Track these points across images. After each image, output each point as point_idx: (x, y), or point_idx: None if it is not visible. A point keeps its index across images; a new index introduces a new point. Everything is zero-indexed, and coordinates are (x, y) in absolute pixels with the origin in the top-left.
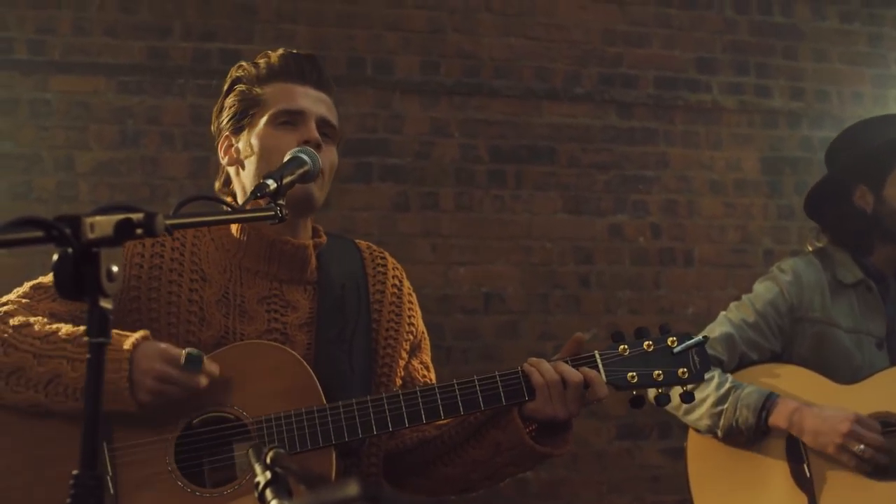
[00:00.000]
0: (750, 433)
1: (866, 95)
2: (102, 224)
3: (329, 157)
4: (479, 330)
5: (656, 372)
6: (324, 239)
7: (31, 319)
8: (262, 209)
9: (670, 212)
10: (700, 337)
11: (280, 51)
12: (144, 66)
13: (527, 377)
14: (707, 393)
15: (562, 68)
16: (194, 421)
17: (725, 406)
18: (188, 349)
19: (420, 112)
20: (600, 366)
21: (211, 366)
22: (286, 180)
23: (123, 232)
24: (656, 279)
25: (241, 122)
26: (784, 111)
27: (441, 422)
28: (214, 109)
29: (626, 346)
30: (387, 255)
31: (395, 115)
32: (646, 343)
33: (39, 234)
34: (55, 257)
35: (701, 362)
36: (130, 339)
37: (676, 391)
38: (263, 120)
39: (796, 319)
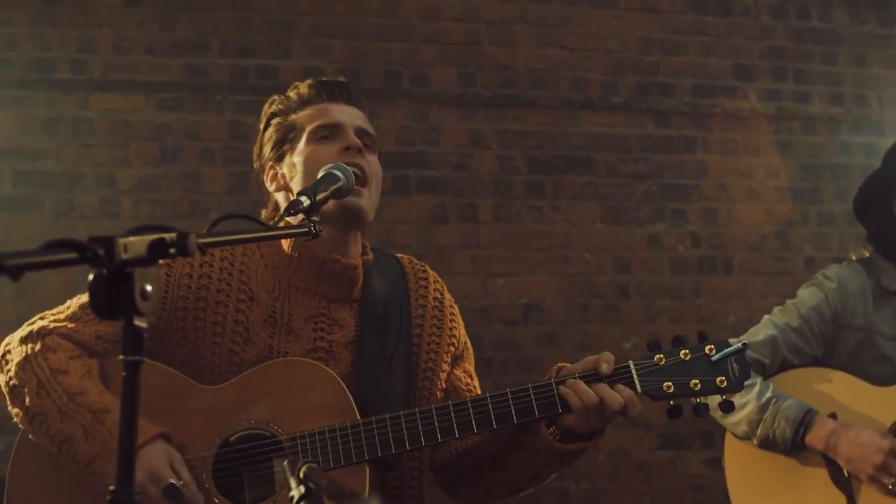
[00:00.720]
0: (786, 446)
1: None
2: (136, 244)
3: (373, 165)
4: (518, 341)
5: (693, 381)
6: (371, 256)
7: (70, 367)
8: (297, 226)
9: (709, 220)
10: (739, 344)
11: (308, 81)
12: (183, 83)
13: (563, 398)
14: (748, 399)
15: (598, 78)
16: (231, 438)
17: (765, 416)
18: (172, 480)
19: (457, 124)
20: (635, 376)
21: (194, 499)
22: (320, 196)
23: (157, 252)
24: (696, 288)
25: (281, 149)
26: (823, 117)
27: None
28: (254, 150)
29: (661, 356)
30: (428, 268)
31: (432, 128)
32: (682, 352)
33: (74, 255)
34: (90, 277)
35: (740, 370)
36: (143, 435)
37: (715, 399)
38: (303, 139)
39: (839, 326)
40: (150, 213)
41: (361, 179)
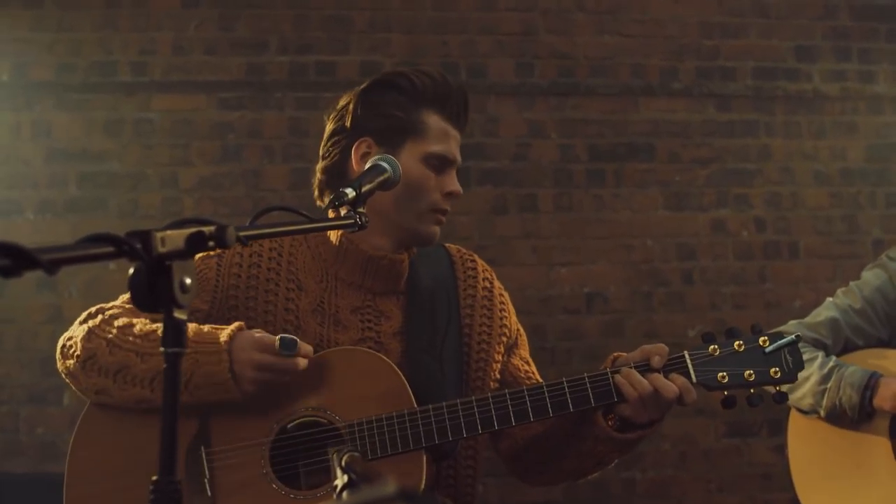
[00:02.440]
0: (854, 413)
1: None
2: (174, 238)
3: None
4: (582, 330)
5: (748, 372)
6: (415, 250)
7: (134, 321)
8: (342, 218)
9: (774, 204)
10: (793, 336)
11: (435, 71)
12: (243, 81)
13: (618, 389)
14: (811, 371)
15: (658, 64)
16: (288, 425)
17: (829, 385)
18: (282, 335)
19: (516, 114)
20: (690, 366)
21: (305, 347)
22: (365, 188)
23: (195, 245)
24: (761, 273)
25: (388, 136)
26: (889, 96)
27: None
28: (356, 95)
29: (716, 347)
30: (476, 257)
31: (490, 119)
32: (737, 343)
33: (110, 249)
34: (130, 271)
35: (794, 362)
36: (226, 332)
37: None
38: (417, 153)
39: None
40: (213, 211)
41: (445, 212)
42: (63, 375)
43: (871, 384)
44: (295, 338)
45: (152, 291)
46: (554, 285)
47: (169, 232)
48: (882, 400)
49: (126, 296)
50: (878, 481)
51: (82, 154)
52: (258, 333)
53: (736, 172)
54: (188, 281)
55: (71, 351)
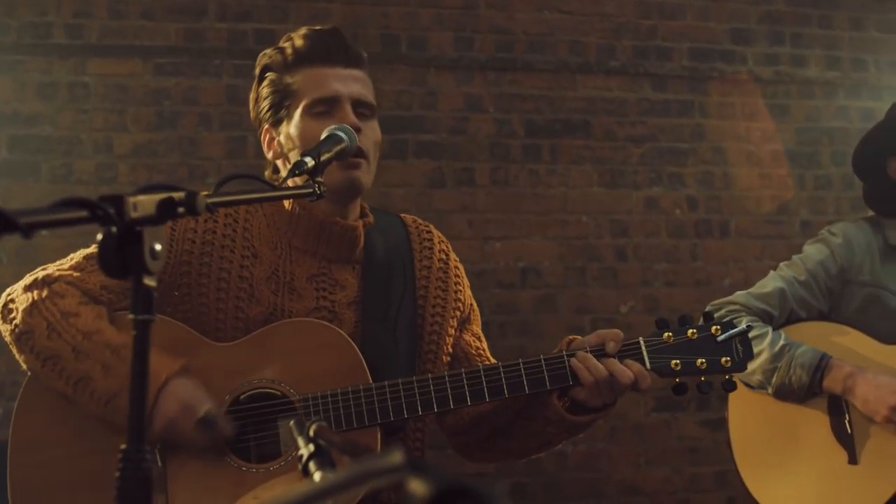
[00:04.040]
0: (802, 392)
1: None
2: (145, 203)
3: (371, 135)
4: (516, 304)
5: (699, 360)
6: (371, 218)
7: (80, 310)
8: (301, 187)
9: (706, 184)
10: (744, 326)
11: (303, 30)
12: (180, 47)
13: (574, 372)
14: (761, 348)
15: (595, 41)
16: (241, 397)
17: (779, 364)
18: (206, 411)
19: (454, 88)
20: (644, 353)
21: (226, 427)
22: (323, 157)
23: (166, 211)
24: (693, 251)
25: (278, 115)
26: (820, 81)
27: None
28: (250, 98)
29: (670, 334)
30: (433, 228)
31: (429, 92)
32: (690, 331)
33: (84, 214)
34: (99, 237)
35: (744, 351)
36: (166, 371)
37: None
38: (299, 111)
39: (845, 282)
40: (148, 178)
41: (362, 153)
42: None
43: (821, 365)
44: (215, 419)
45: (122, 258)
46: (489, 259)
47: (140, 197)
48: (832, 382)
49: (75, 258)
50: (814, 456)
51: (14, 117)
52: (190, 389)
53: (670, 151)
54: (158, 247)
55: (10, 316)
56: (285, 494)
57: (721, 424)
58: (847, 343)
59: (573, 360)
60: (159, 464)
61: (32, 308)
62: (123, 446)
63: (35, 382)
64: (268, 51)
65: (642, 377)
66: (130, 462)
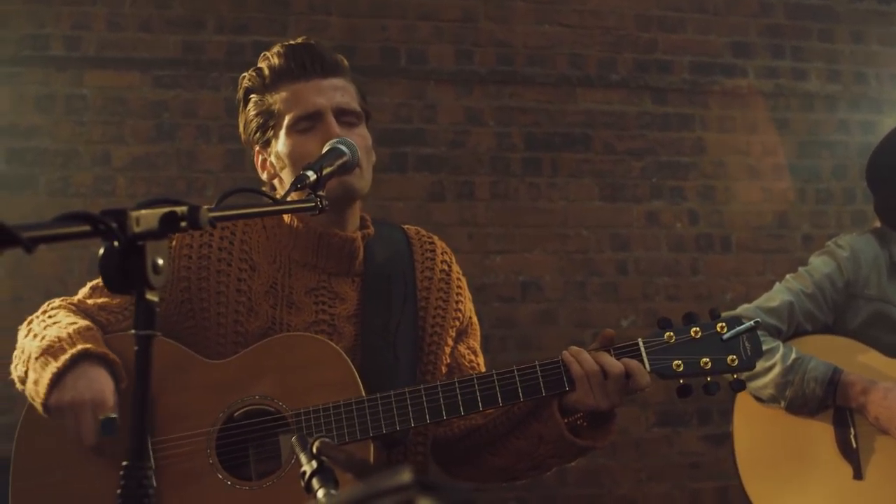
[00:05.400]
0: (815, 405)
1: None
2: (147, 217)
3: (360, 142)
4: (516, 318)
5: (704, 360)
6: (371, 230)
7: (61, 314)
8: (303, 201)
9: (707, 198)
10: (752, 322)
11: (277, 48)
12: (179, 60)
13: (566, 367)
14: (773, 361)
15: (596, 55)
16: (235, 414)
17: (792, 378)
18: (109, 417)
19: (454, 101)
20: (644, 354)
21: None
22: (325, 171)
23: (168, 225)
24: (694, 265)
25: (265, 136)
26: (821, 94)
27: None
28: (239, 122)
29: (671, 334)
30: (436, 239)
31: (428, 105)
32: (693, 329)
33: (86, 228)
34: (101, 252)
35: (752, 349)
36: (95, 348)
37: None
38: (283, 130)
39: (851, 295)
40: (146, 190)
41: None
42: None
43: (834, 379)
44: (116, 424)
45: (124, 272)
46: (489, 273)
47: (143, 211)
48: (845, 399)
49: (83, 291)
50: (819, 471)
51: (11, 129)
52: (108, 385)
53: (670, 165)
54: (160, 262)
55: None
56: None
57: (723, 439)
58: (854, 356)
59: (564, 352)
60: (153, 483)
61: (27, 326)
62: (125, 463)
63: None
64: (247, 73)
65: (640, 374)
66: (132, 479)
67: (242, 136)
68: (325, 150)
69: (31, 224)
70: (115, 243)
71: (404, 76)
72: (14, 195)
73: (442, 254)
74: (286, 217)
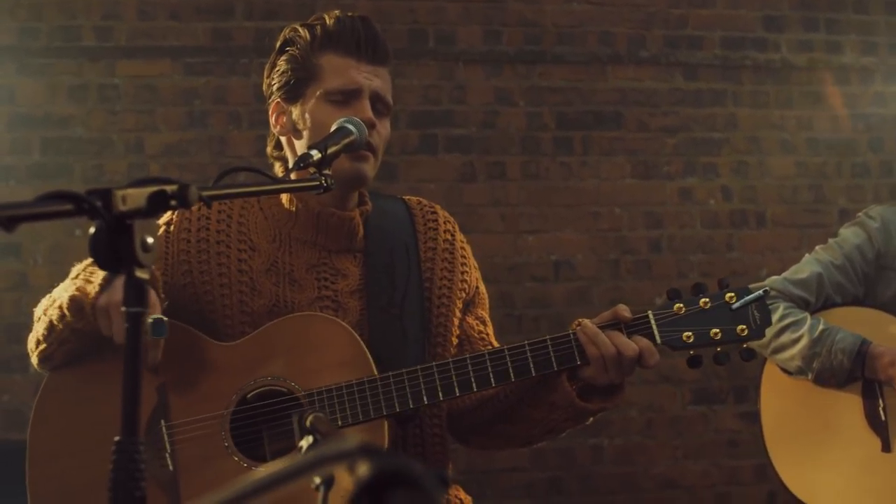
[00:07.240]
0: (843, 377)
1: None
2: (135, 196)
3: (384, 132)
4: (549, 298)
5: (714, 330)
6: (369, 206)
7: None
8: (307, 179)
9: (741, 173)
10: (760, 291)
11: (336, 13)
12: (209, 47)
13: (580, 347)
14: (800, 333)
15: (625, 32)
16: (248, 395)
17: (819, 349)
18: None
19: (483, 82)
20: (654, 327)
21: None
22: (331, 150)
23: (157, 203)
24: (728, 241)
25: (295, 92)
26: (856, 67)
27: None
28: (266, 66)
29: (681, 305)
30: (438, 208)
31: (458, 86)
32: (702, 300)
33: (70, 207)
34: (91, 231)
35: (761, 318)
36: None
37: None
38: (318, 94)
39: (882, 267)
40: (179, 177)
41: (371, 148)
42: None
43: (862, 351)
44: (166, 325)
45: (113, 251)
46: (521, 253)
47: (130, 190)
48: (874, 371)
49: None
50: (847, 444)
51: (46, 119)
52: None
53: (703, 141)
54: (150, 240)
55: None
56: (238, 484)
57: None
58: (884, 328)
59: (580, 334)
60: (170, 467)
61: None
62: (117, 438)
63: (49, 389)
64: (296, 25)
65: (650, 353)
66: (124, 454)
67: (265, 83)
68: (332, 128)
69: (12, 203)
70: (102, 222)
71: (433, 57)
72: (49, 184)
73: (445, 223)
74: (284, 198)
